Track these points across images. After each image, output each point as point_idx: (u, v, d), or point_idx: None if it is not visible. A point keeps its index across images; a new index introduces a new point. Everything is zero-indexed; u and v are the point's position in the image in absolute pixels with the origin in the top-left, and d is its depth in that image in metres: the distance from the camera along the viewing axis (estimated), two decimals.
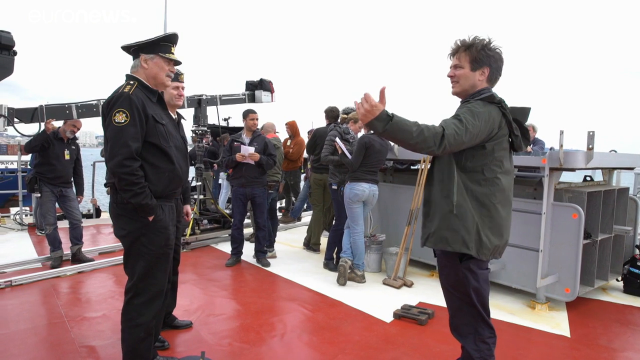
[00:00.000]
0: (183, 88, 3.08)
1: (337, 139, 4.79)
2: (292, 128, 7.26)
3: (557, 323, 3.64)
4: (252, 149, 4.98)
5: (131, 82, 2.47)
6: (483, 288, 2.09)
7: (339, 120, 5.46)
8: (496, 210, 2.02)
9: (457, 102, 2.20)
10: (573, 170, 4.02)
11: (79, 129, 5.22)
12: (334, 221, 5.28)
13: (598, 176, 4.99)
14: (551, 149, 5.07)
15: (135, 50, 2.54)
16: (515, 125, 2.08)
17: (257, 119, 5.25)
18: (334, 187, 5.04)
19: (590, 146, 3.79)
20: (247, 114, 5.25)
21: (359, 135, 5.04)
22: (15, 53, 4.64)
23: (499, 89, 2.17)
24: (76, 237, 5.08)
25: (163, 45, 2.54)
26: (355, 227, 4.66)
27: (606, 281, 4.34)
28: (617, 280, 4.55)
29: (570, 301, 3.89)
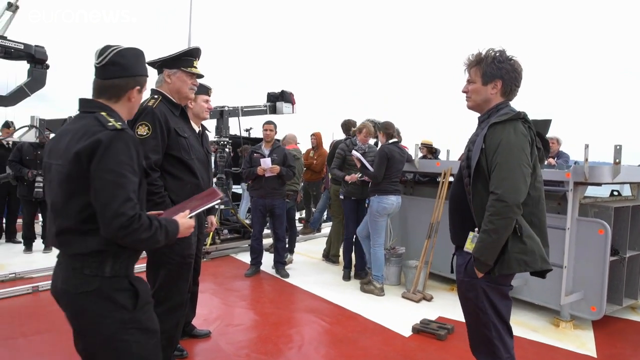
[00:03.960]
0: (209, 102, 3.18)
1: (355, 152, 4.78)
2: (317, 139, 7.30)
3: (582, 342, 3.53)
4: (269, 161, 5.02)
5: (155, 97, 2.57)
6: (503, 305, 2.04)
7: (350, 133, 5.49)
8: (543, 226, 2.04)
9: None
10: (599, 184, 3.93)
11: None
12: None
13: (626, 191, 4.85)
14: (576, 162, 4.96)
15: (159, 65, 2.63)
16: (537, 139, 2.05)
17: (270, 130, 5.26)
18: (342, 197, 5.12)
19: (618, 160, 3.71)
20: (263, 125, 5.33)
21: (367, 145, 5.07)
22: (47, 67, 4.86)
23: (519, 101, 2.13)
24: None
25: (185, 59, 2.64)
26: (377, 239, 4.64)
27: (636, 300, 4.19)
28: None
29: (597, 320, 3.77)
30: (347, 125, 5.71)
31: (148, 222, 1.51)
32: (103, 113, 1.57)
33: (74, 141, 1.51)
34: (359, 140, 5.04)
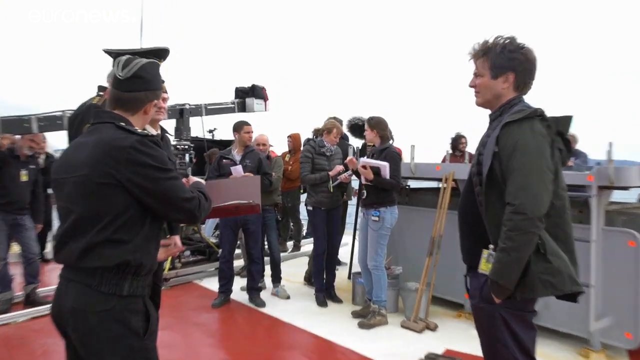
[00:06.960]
0: (165, 100, 2.83)
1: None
2: (295, 141, 7.10)
3: None
4: (240, 168, 4.78)
5: (100, 94, 2.52)
6: (528, 336, 1.96)
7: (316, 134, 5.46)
8: (570, 240, 1.97)
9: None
10: (626, 188, 3.91)
11: (40, 145, 5.06)
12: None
13: None
14: (598, 163, 4.91)
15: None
16: (557, 139, 2.02)
17: (251, 132, 5.13)
18: (310, 208, 5.07)
19: None
20: (240, 127, 5.09)
21: (335, 146, 5.09)
22: None
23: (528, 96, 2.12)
24: (32, 274, 4.89)
25: None
26: (380, 258, 4.47)
27: None
28: None
29: (634, 349, 3.68)
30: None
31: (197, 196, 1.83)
32: (122, 123, 1.73)
33: (100, 149, 1.65)
34: (328, 141, 5.01)
